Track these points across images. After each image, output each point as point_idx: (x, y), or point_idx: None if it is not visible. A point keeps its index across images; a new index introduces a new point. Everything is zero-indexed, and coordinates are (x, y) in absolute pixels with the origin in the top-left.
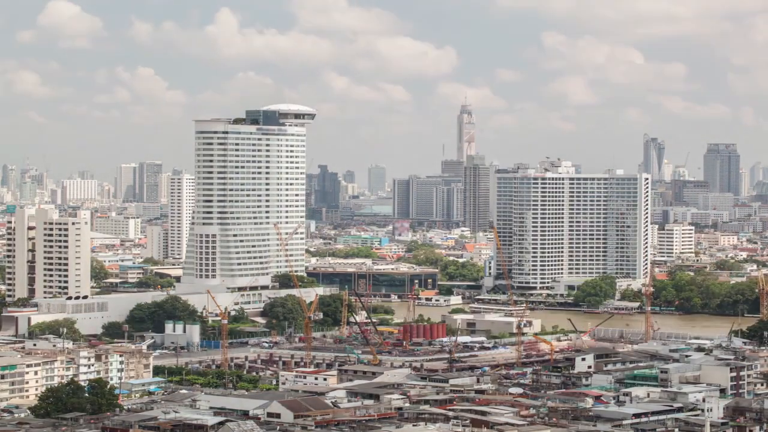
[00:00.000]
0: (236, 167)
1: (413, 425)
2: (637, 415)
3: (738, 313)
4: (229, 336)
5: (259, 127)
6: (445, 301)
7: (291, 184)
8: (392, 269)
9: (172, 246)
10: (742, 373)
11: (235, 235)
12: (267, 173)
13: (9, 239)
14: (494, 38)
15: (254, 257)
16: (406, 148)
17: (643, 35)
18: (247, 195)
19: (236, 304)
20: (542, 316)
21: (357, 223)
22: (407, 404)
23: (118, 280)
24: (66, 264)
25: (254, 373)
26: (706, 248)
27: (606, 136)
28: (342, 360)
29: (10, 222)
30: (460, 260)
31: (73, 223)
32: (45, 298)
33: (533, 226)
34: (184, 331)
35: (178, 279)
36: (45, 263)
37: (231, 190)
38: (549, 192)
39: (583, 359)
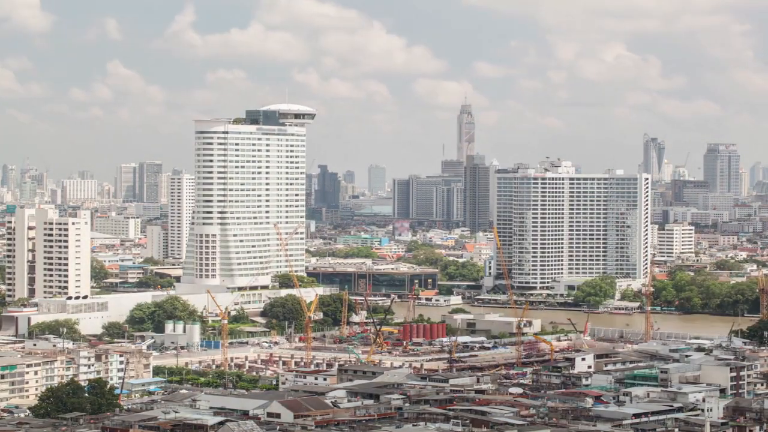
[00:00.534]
0: (236, 167)
1: (413, 425)
2: (637, 415)
3: (738, 313)
4: (229, 336)
5: (259, 127)
6: (445, 301)
7: (291, 184)
8: (392, 269)
9: (172, 246)
10: (742, 373)
11: (235, 235)
12: (267, 173)
13: (9, 239)
14: (470, 33)
15: (254, 257)
16: (392, 145)
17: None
18: (247, 195)
19: (236, 304)
20: (542, 316)
21: (357, 223)
22: (407, 404)
23: (118, 280)
24: (66, 264)
25: (254, 373)
26: (706, 248)
27: (594, 133)
28: (342, 360)
29: (10, 222)
30: (460, 260)
31: (73, 223)
32: (45, 298)
33: (533, 226)
34: (184, 331)
35: (178, 279)
36: (45, 263)
37: (231, 190)
38: (549, 192)
39: (583, 359)
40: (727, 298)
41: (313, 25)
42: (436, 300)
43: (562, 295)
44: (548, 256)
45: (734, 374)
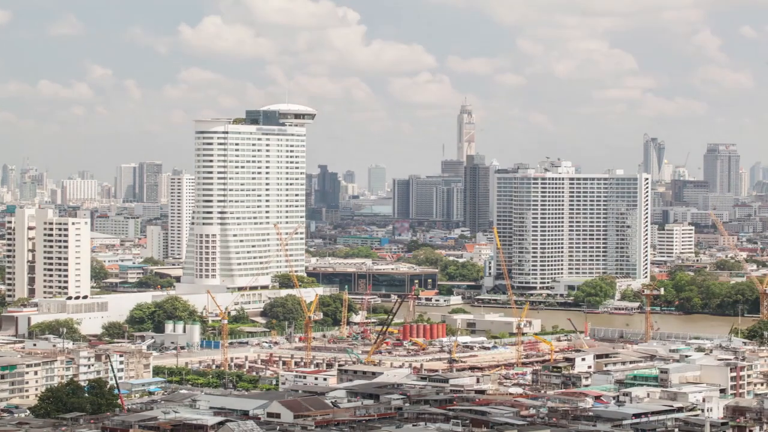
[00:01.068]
0: (236, 167)
1: (413, 425)
2: (637, 415)
3: (738, 313)
4: (229, 336)
5: (259, 127)
6: (445, 301)
7: (291, 184)
8: (392, 269)
9: (172, 246)
10: (742, 373)
11: (235, 235)
12: (267, 173)
13: (9, 239)
14: (454, 30)
15: (254, 257)
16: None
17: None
18: (247, 195)
19: (236, 304)
20: (542, 316)
21: (357, 223)
22: (407, 404)
23: (118, 280)
24: (66, 264)
25: (254, 373)
26: (706, 248)
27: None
28: (342, 360)
29: (10, 222)
30: (460, 260)
31: (73, 223)
32: (45, 298)
33: (533, 226)
34: (184, 331)
35: (178, 279)
36: (45, 263)
37: (231, 190)
38: (549, 192)
39: (583, 359)
40: (727, 298)
41: (282, 23)
42: (436, 300)
43: (562, 295)
44: (548, 256)
45: (734, 374)
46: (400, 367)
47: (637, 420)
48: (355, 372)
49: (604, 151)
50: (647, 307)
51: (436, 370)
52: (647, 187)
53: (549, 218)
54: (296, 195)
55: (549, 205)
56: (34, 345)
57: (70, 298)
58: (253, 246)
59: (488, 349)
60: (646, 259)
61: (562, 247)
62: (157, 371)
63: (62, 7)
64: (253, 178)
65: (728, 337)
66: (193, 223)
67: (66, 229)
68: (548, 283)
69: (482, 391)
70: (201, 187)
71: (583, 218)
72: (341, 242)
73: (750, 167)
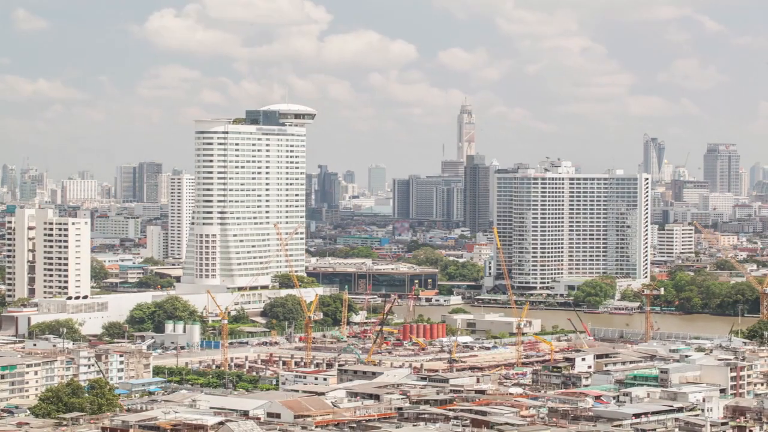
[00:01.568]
0: (236, 167)
1: (413, 425)
2: (637, 415)
3: (738, 313)
4: (229, 336)
5: (259, 127)
6: (445, 301)
7: (291, 184)
8: (392, 269)
9: (172, 246)
10: (742, 373)
11: (235, 235)
12: (267, 173)
13: (9, 239)
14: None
15: (254, 257)
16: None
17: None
18: (247, 195)
19: (236, 304)
20: (542, 316)
21: (357, 223)
22: (407, 404)
23: (118, 280)
24: (66, 264)
25: (254, 373)
26: (706, 248)
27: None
28: (342, 360)
29: (10, 222)
30: (460, 260)
31: (73, 224)
32: (45, 298)
33: (533, 226)
34: (184, 331)
35: (178, 279)
36: (45, 263)
37: (231, 190)
38: (549, 192)
39: (583, 359)
40: (727, 298)
41: (261, 23)
42: (436, 300)
43: (562, 295)
44: (548, 256)
45: (734, 374)
46: (400, 367)
47: (637, 420)
48: (355, 372)
49: (578, 148)
50: (647, 307)
51: (436, 370)
52: (647, 187)
53: (549, 218)
54: (296, 195)
55: (549, 205)
56: (34, 345)
57: (70, 298)
58: (253, 246)
59: (488, 349)
60: (646, 259)
61: (562, 247)
62: (157, 371)
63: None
64: (253, 178)
65: (728, 337)
66: (193, 223)
67: (66, 229)
68: (548, 283)
69: (482, 391)
70: (201, 187)
71: (583, 218)
72: (341, 242)
73: (750, 167)
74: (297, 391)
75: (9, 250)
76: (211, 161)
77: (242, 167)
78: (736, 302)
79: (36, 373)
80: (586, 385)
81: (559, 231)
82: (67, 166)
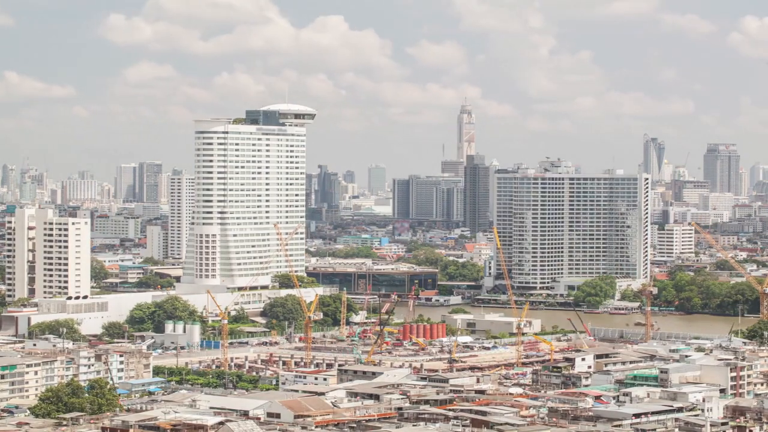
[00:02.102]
0: (236, 167)
1: (413, 425)
2: (637, 415)
3: (738, 313)
4: (229, 336)
5: (259, 127)
6: (445, 301)
7: (291, 184)
8: (392, 269)
9: (172, 246)
10: (742, 373)
11: (235, 235)
12: (267, 173)
13: (9, 239)
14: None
15: (254, 257)
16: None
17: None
18: (247, 195)
19: (236, 304)
20: (542, 316)
21: (357, 223)
22: (407, 404)
23: (118, 280)
24: (66, 264)
25: (254, 373)
26: (706, 248)
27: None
28: (342, 360)
29: (10, 222)
30: (460, 260)
31: (73, 224)
32: (45, 298)
33: (533, 226)
34: (184, 331)
35: (178, 279)
36: (45, 263)
37: (231, 190)
38: (549, 192)
39: (583, 359)
40: (727, 298)
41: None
42: (436, 300)
43: (562, 295)
44: (548, 256)
45: (734, 374)
46: (400, 367)
47: (637, 420)
48: (355, 372)
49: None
50: (647, 307)
51: (436, 370)
52: (647, 187)
53: (549, 218)
54: (296, 195)
55: (549, 205)
56: (34, 345)
57: (70, 298)
58: (253, 246)
59: (488, 349)
60: (646, 259)
61: (562, 247)
62: (157, 371)
63: None
64: (253, 178)
65: (728, 337)
66: (193, 223)
67: (66, 229)
68: (548, 283)
69: (482, 391)
70: (201, 187)
71: (583, 218)
72: (341, 242)
73: (750, 167)
74: (297, 391)
75: (9, 250)
76: (211, 161)
77: (242, 167)
78: (736, 302)
79: (36, 373)
80: (586, 385)
81: (559, 231)
82: (67, 166)
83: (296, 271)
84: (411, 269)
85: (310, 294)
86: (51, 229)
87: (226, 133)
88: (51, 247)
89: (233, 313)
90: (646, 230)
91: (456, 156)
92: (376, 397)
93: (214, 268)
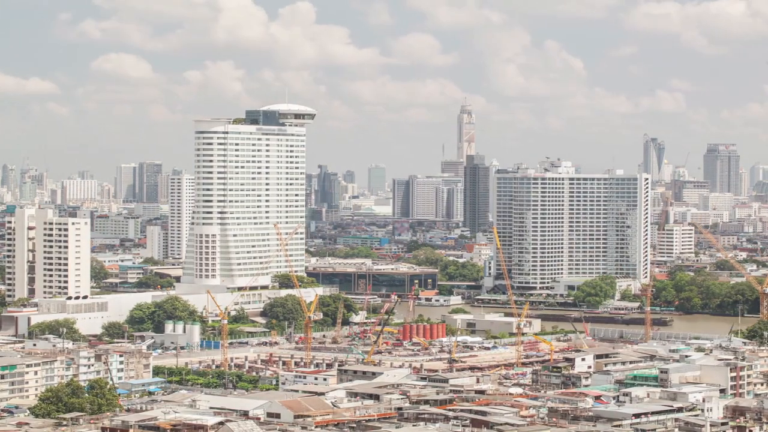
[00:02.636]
0: (236, 167)
1: (413, 425)
2: (637, 415)
3: (738, 313)
4: (229, 336)
5: (258, 127)
6: (445, 301)
7: (291, 184)
8: (392, 269)
9: (172, 246)
10: (742, 373)
11: (235, 235)
12: (267, 173)
13: (9, 239)
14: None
15: (254, 257)
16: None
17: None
18: (247, 195)
19: (236, 304)
20: (541, 316)
21: (357, 223)
22: (407, 404)
23: (118, 280)
24: (66, 264)
25: (254, 373)
26: (706, 248)
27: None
28: (342, 360)
29: (10, 222)
30: (460, 260)
31: (72, 224)
32: (45, 298)
33: (533, 226)
34: (184, 331)
35: (178, 279)
36: (45, 263)
37: (231, 190)
38: (549, 192)
39: (583, 359)
40: (727, 298)
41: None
42: (436, 300)
43: (562, 295)
44: (548, 256)
45: (734, 374)
46: (400, 367)
47: (637, 420)
48: (355, 372)
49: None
50: (647, 308)
51: (436, 370)
52: (647, 187)
53: (549, 218)
54: (296, 195)
55: (549, 205)
56: (34, 345)
57: (70, 298)
58: (253, 246)
59: (488, 349)
60: (646, 259)
61: (562, 247)
62: (157, 371)
63: None
64: (253, 178)
65: (728, 337)
66: (193, 223)
67: (66, 230)
68: (548, 283)
69: (482, 391)
70: (201, 187)
71: (583, 218)
72: (341, 242)
73: (750, 167)
74: (297, 391)
75: (9, 250)
76: (211, 161)
77: (242, 167)
78: (736, 302)
79: (36, 373)
80: (586, 385)
81: (559, 231)
82: (67, 166)
83: (296, 271)
84: (411, 269)
85: (310, 294)
86: (51, 229)
87: (226, 133)
88: (51, 247)
89: (233, 313)
90: (646, 230)
91: (456, 156)
92: (376, 397)
93: (214, 268)
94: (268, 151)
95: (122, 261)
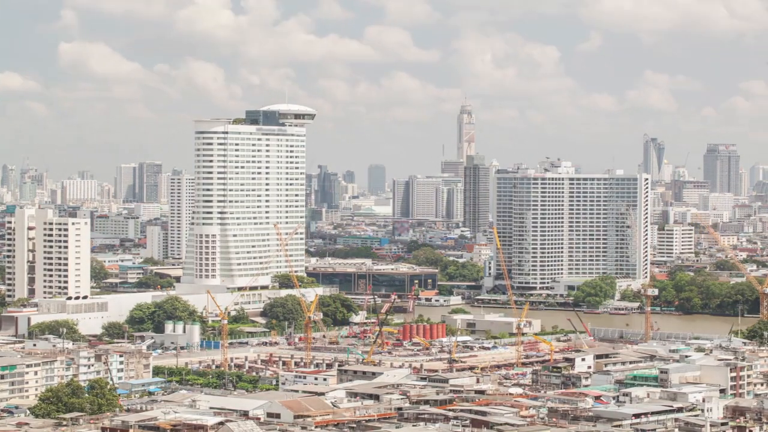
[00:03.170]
0: (236, 167)
1: (413, 425)
2: (637, 415)
3: (738, 313)
4: (229, 336)
5: (258, 127)
6: (445, 301)
7: (291, 184)
8: (392, 269)
9: (172, 246)
10: (742, 374)
11: (235, 235)
12: (267, 173)
13: (9, 239)
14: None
15: (254, 257)
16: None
17: None
18: (247, 195)
19: (236, 304)
20: (542, 316)
21: (357, 223)
22: (407, 404)
23: (118, 280)
24: (66, 264)
25: (254, 374)
26: (706, 248)
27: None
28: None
29: (10, 222)
30: (460, 260)
31: (72, 224)
32: (45, 298)
33: (533, 226)
34: (184, 331)
35: (178, 279)
36: (45, 263)
37: (231, 190)
38: (549, 192)
39: (583, 359)
40: (727, 298)
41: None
42: (436, 300)
43: (562, 295)
44: (548, 256)
45: (734, 374)
46: (400, 367)
47: (637, 420)
48: (355, 372)
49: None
50: (647, 307)
51: (436, 370)
52: (647, 187)
53: (549, 218)
54: (296, 195)
55: (549, 205)
56: (34, 345)
57: (70, 298)
58: (253, 246)
59: (488, 349)
60: (646, 259)
61: (562, 247)
62: (157, 371)
63: None
64: (253, 178)
65: (728, 337)
66: (193, 223)
67: (66, 230)
68: (548, 283)
69: (482, 391)
70: (201, 187)
71: (583, 218)
72: (341, 242)
73: (750, 167)
74: (297, 391)
75: (9, 250)
76: (211, 161)
77: (242, 167)
78: (736, 302)
79: (36, 373)
80: (586, 386)
81: (559, 231)
82: (67, 166)
83: (296, 271)
84: (411, 269)
85: (310, 294)
86: (51, 230)
87: (226, 133)
88: (51, 247)
89: (233, 313)
90: (646, 230)
91: (456, 156)
92: (376, 398)
93: (214, 268)
94: (268, 151)
95: (122, 261)
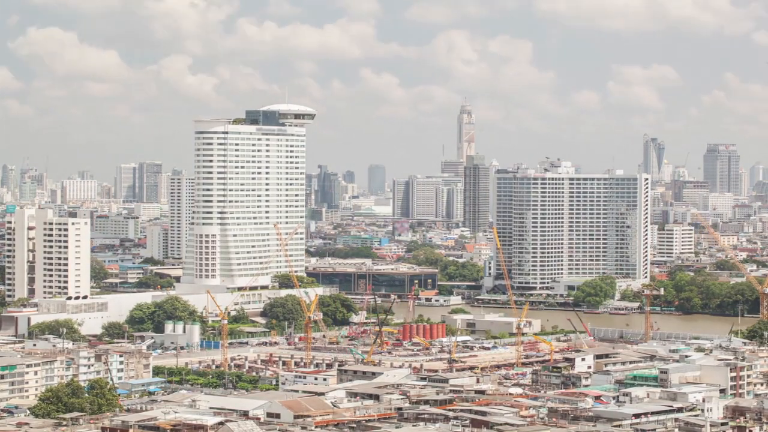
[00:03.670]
0: (236, 167)
1: (413, 425)
2: (636, 415)
3: (738, 314)
4: (228, 336)
5: (258, 127)
6: (445, 301)
7: (291, 184)
8: (392, 269)
9: (172, 246)
10: (742, 374)
11: (235, 235)
12: (267, 173)
13: (9, 239)
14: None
15: (254, 257)
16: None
17: None
18: (247, 195)
19: (236, 304)
20: (542, 316)
21: (357, 223)
22: (407, 404)
23: (118, 281)
24: (66, 264)
25: (254, 374)
26: (706, 248)
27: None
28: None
29: (10, 222)
30: (460, 260)
31: (72, 224)
32: (45, 298)
33: (533, 226)
34: (184, 331)
35: (178, 279)
36: (45, 263)
37: (231, 190)
38: (549, 192)
39: (583, 359)
40: (727, 298)
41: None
42: (436, 300)
43: (562, 295)
44: (548, 256)
45: (734, 374)
46: (400, 367)
47: (637, 420)
48: (355, 372)
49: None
50: (647, 307)
51: (436, 370)
52: (647, 187)
53: (549, 218)
54: (296, 195)
55: (549, 205)
56: (34, 345)
57: (70, 298)
58: (253, 246)
59: (488, 349)
60: (646, 259)
61: (562, 247)
62: (157, 371)
63: None
64: (253, 178)
65: (728, 337)
66: (193, 223)
67: (66, 230)
68: (548, 283)
69: (482, 391)
70: (201, 188)
71: (583, 218)
72: (341, 242)
73: (750, 167)
74: (297, 391)
75: (9, 250)
76: (210, 161)
77: (242, 167)
78: (736, 302)
79: (36, 373)
80: (586, 386)
81: (559, 231)
82: (67, 166)
83: (296, 271)
84: (411, 269)
85: (310, 294)
86: (51, 229)
87: (226, 133)
88: (51, 247)
89: (233, 313)
90: (646, 230)
91: (456, 156)
92: (376, 398)
93: (214, 268)
94: (268, 151)
95: (122, 261)
